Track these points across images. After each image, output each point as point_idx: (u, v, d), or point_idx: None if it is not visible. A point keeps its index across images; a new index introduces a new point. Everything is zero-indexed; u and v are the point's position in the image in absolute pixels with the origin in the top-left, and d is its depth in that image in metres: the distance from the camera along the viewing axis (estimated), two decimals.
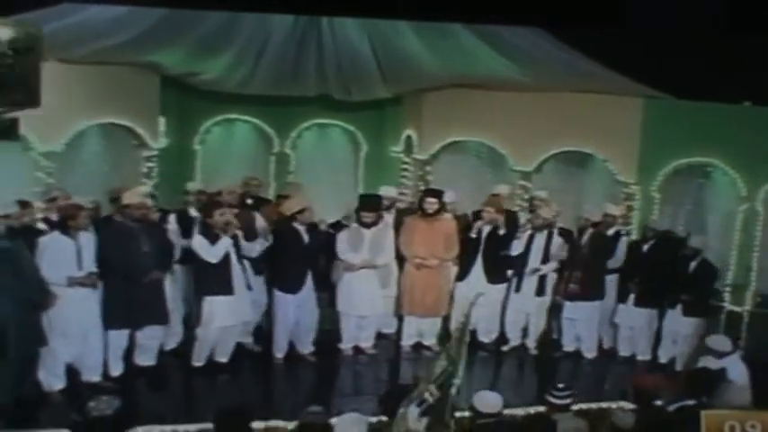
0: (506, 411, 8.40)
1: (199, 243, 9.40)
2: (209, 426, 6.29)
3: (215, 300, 9.46)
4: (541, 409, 7.60)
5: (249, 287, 9.72)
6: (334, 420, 6.18)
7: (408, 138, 13.93)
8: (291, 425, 7.69)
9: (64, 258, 8.70)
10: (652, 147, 12.65)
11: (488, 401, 6.87)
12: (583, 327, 10.86)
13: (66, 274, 8.68)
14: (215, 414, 6.32)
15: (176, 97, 13.46)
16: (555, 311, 11.05)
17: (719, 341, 8.72)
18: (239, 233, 9.57)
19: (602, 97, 12.65)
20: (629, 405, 7.84)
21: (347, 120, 14.67)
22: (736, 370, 8.43)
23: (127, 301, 9.13)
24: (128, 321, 9.28)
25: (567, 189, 13.06)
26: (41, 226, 9.21)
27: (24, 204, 9.07)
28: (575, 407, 8.10)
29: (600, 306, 10.84)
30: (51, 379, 8.88)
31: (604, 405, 8.82)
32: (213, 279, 9.43)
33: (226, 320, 9.55)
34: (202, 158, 14.28)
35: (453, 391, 5.50)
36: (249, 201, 10.98)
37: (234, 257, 9.48)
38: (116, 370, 9.38)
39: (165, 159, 13.07)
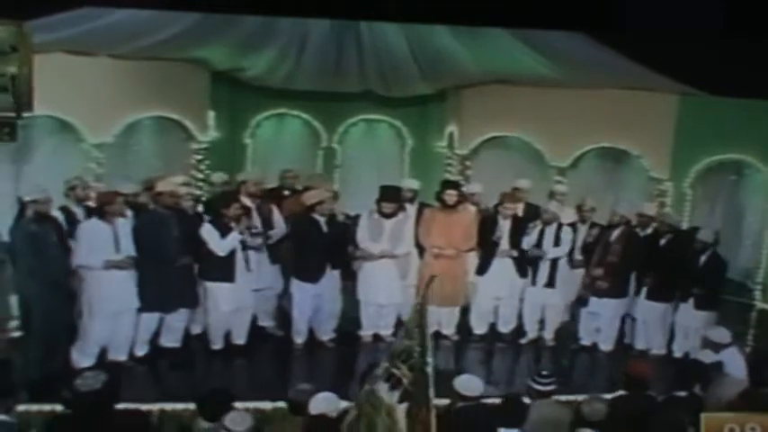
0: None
1: (208, 233, 9.78)
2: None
3: (217, 285, 9.87)
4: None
5: (249, 269, 10.06)
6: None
7: (451, 133, 14.21)
8: None
9: (101, 243, 9.19)
10: (685, 143, 12.69)
11: (469, 385, 7.17)
12: (605, 322, 10.92)
13: (104, 258, 9.18)
14: (197, 396, 6.73)
15: (227, 92, 13.98)
16: (578, 305, 11.16)
17: (718, 333, 8.79)
18: (252, 228, 10.00)
19: (637, 94, 12.74)
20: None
21: (393, 115, 15.04)
22: (734, 363, 8.46)
23: (159, 285, 9.58)
24: (160, 305, 9.74)
25: (602, 185, 13.18)
26: (56, 214, 9.60)
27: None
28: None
29: (624, 302, 10.93)
30: (82, 357, 9.36)
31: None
32: (216, 266, 9.82)
33: (228, 305, 9.92)
34: (252, 152, 14.76)
35: (429, 371, 5.58)
36: (286, 192, 11.37)
37: (239, 247, 9.85)
38: (141, 350, 9.85)
39: (217, 152, 13.53)
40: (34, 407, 8.26)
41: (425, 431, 5.32)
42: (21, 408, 8.15)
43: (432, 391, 5.33)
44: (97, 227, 9.23)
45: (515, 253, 10.87)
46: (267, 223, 10.39)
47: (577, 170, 13.19)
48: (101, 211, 9.29)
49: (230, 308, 9.99)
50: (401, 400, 5.54)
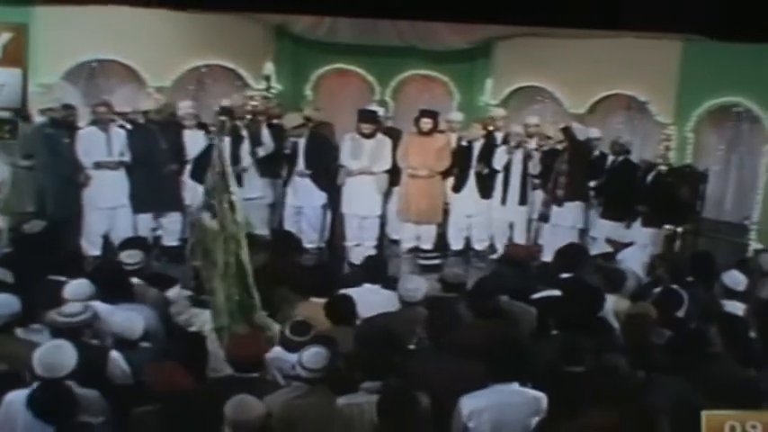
0: None
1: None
2: None
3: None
4: None
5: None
6: None
7: (487, 86, 15.13)
8: None
9: (95, 146, 10.98)
10: (688, 88, 13.02)
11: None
12: (567, 233, 11.44)
13: (95, 159, 10.96)
14: None
15: (290, 47, 15.43)
16: (541, 221, 11.89)
17: (619, 232, 9.53)
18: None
19: (645, 41, 13.21)
20: None
21: (441, 71, 15.81)
22: (631, 261, 9.20)
23: (149, 189, 11.24)
24: (150, 206, 11.37)
25: (620, 131, 13.64)
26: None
27: (69, 107, 11.45)
28: None
29: (583, 212, 11.67)
30: (89, 246, 11.09)
31: None
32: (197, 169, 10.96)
33: None
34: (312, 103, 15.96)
35: (232, 198, 6.86)
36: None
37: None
38: None
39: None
40: None
41: (237, 246, 6.73)
42: None
43: (239, 215, 6.66)
44: (93, 132, 11.03)
45: (484, 172, 11.80)
46: (255, 140, 11.62)
47: (595, 116, 13.75)
48: (96, 119, 11.07)
49: None
50: (219, 225, 6.90)
